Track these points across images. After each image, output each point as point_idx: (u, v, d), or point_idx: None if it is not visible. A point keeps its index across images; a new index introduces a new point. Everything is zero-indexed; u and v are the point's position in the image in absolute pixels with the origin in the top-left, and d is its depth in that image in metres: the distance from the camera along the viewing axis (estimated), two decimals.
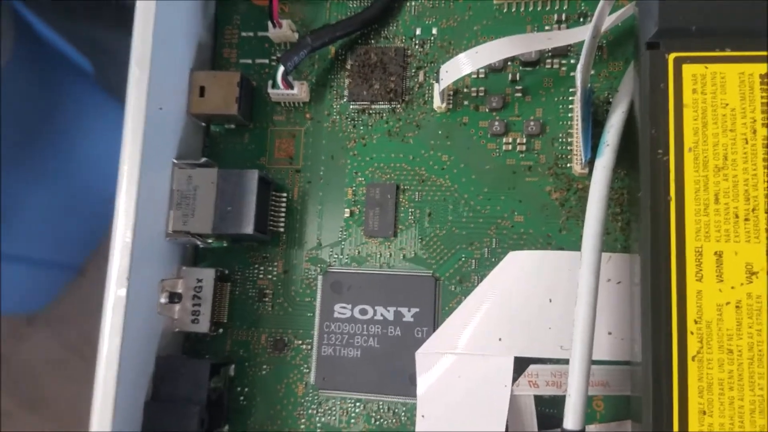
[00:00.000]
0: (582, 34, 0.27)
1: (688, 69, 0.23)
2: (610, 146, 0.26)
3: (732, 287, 0.22)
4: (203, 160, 0.30)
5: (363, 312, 0.29)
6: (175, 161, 0.30)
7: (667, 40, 0.23)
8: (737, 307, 0.22)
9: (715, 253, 0.22)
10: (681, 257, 0.22)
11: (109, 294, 0.26)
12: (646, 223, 0.23)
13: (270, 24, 0.31)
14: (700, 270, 0.22)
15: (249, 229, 0.29)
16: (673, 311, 0.22)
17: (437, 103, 0.30)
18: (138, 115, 0.27)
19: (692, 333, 0.22)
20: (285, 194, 0.31)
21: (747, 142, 0.23)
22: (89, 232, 0.72)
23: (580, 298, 0.24)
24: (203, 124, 0.33)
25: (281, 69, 0.30)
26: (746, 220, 0.22)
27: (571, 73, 0.29)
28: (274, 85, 0.31)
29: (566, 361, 0.24)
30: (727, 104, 0.23)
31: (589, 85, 0.27)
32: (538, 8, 0.30)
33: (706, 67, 0.23)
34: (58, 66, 0.60)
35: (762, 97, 0.23)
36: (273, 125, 0.32)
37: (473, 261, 0.29)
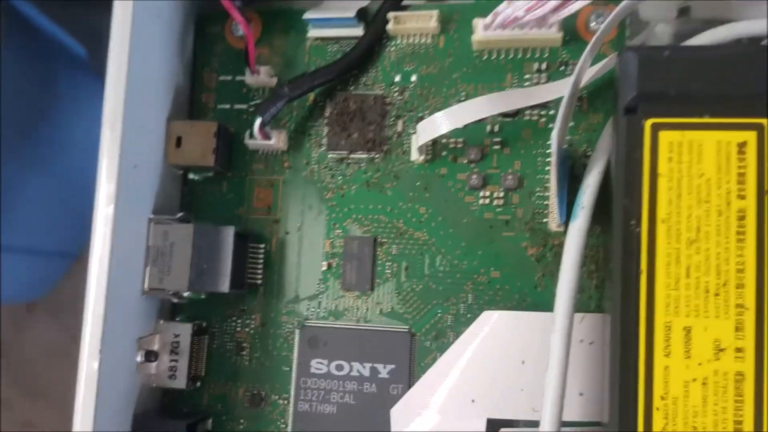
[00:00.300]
0: (561, 88, 0.27)
1: (665, 136, 0.23)
2: (585, 209, 0.25)
3: (699, 363, 0.22)
4: (179, 215, 0.30)
5: (339, 368, 0.29)
6: (151, 216, 0.30)
7: (645, 106, 0.23)
8: (704, 383, 0.21)
9: (684, 328, 0.22)
10: (650, 331, 0.22)
11: (83, 365, 0.26)
12: (616, 295, 0.23)
13: (247, 69, 0.31)
14: (669, 345, 0.22)
15: (225, 287, 0.29)
16: (640, 386, 0.22)
17: (415, 155, 0.30)
18: (111, 176, 0.28)
19: (658, 409, 0.22)
20: (263, 245, 0.31)
21: (720, 214, 0.22)
22: (87, 219, 0.73)
23: (551, 361, 0.24)
24: (180, 172, 0.33)
25: (258, 120, 0.30)
26: (716, 295, 0.22)
27: (550, 125, 0.29)
28: (252, 136, 0.31)
29: (538, 423, 0.24)
30: (702, 174, 0.23)
31: (565, 145, 0.26)
32: (519, 56, 0.29)
33: (683, 135, 0.23)
34: (51, 52, 0.60)
35: (739, 167, 0.22)
36: (251, 174, 0.32)
37: (449, 317, 0.29)
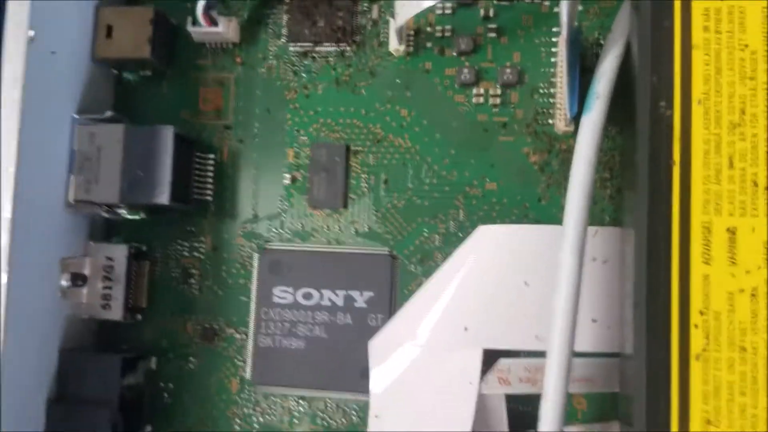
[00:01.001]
0: None
1: (698, 2, 0.19)
2: (600, 98, 0.22)
3: (747, 271, 0.18)
4: (108, 114, 0.25)
5: (307, 296, 0.25)
6: (74, 116, 0.25)
7: None
8: (753, 295, 0.18)
9: (728, 229, 0.19)
10: (685, 234, 0.19)
11: None
12: (643, 193, 0.19)
13: None
14: (708, 250, 0.19)
15: (164, 198, 0.24)
16: (673, 299, 0.19)
17: (394, 45, 0.25)
18: (18, 56, 0.22)
19: (696, 326, 0.18)
20: (212, 155, 0.26)
21: None
22: None
23: (560, 282, 0.21)
24: (114, 71, 0.27)
25: (202, 1, 0.25)
26: (766, 189, 0.19)
27: (555, 9, 0.25)
28: (195, 22, 0.26)
29: (542, 354, 0.20)
30: (746, 46, 0.19)
31: (576, 23, 0.22)
32: None
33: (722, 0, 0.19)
34: None
35: None
36: (197, 71, 0.27)
37: (437, 236, 0.25)
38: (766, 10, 0.19)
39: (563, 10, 0.21)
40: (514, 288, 0.23)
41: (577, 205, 0.21)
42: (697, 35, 0.19)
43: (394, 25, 0.25)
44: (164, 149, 0.24)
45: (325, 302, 0.25)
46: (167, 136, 0.24)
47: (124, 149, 0.24)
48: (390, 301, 0.25)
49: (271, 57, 0.27)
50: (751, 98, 0.19)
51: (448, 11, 0.25)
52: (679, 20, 0.19)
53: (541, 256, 0.23)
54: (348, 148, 0.26)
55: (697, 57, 0.19)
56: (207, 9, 0.25)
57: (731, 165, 0.19)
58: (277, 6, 0.27)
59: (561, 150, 0.24)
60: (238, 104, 0.27)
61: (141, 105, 0.27)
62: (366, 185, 0.26)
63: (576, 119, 0.23)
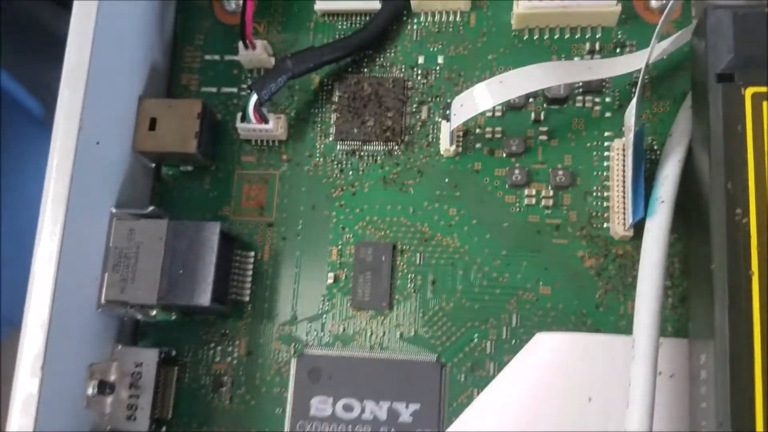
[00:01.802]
0: (629, 64, 0.23)
1: None
2: (665, 203, 0.21)
3: None
4: (150, 209, 0.25)
5: (348, 408, 0.24)
6: (113, 210, 0.24)
7: (743, 72, 0.19)
8: None
9: None
10: None
11: (18, 387, 0.20)
12: (721, 304, 0.19)
13: (241, 45, 0.27)
14: None
15: (205, 299, 0.23)
16: (758, 419, 0.17)
17: (445, 145, 0.25)
18: (67, 148, 0.22)
19: None
20: (253, 253, 0.26)
21: None
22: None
23: (633, 397, 0.19)
24: (152, 164, 0.27)
25: (254, 98, 0.25)
26: None
27: (606, 113, 0.25)
28: (245, 118, 0.26)
29: None
30: None
31: (641, 125, 0.22)
32: (566, 35, 0.26)
33: None
34: (5, 109, 0.57)
35: None
36: (241, 168, 0.27)
37: (488, 343, 0.24)
38: None
39: (631, 112, 0.21)
40: (577, 403, 0.22)
41: (649, 313, 0.20)
42: None
43: (447, 128, 0.25)
44: (208, 247, 0.24)
45: (367, 415, 0.23)
46: (213, 233, 0.24)
47: (166, 246, 0.23)
48: (438, 415, 0.23)
49: (317, 155, 0.27)
50: None
51: (498, 113, 0.26)
52: (751, 125, 0.19)
53: (607, 369, 0.22)
54: (394, 247, 0.25)
55: None
56: (259, 105, 0.25)
57: None
58: (325, 104, 0.27)
59: (618, 255, 0.24)
60: (282, 201, 0.26)
61: (179, 200, 0.27)
62: (412, 286, 0.25)
63: (636, 225, 0.22)
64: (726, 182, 0.19)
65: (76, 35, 0.23)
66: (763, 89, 0.19)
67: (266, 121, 0.26)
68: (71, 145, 0.22)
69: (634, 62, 0.23)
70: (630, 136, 0.21)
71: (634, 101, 0.21)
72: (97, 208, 0.24)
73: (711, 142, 0.20)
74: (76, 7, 0.23)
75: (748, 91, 0.19)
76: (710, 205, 0.19)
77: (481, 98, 0.23)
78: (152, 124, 0.26)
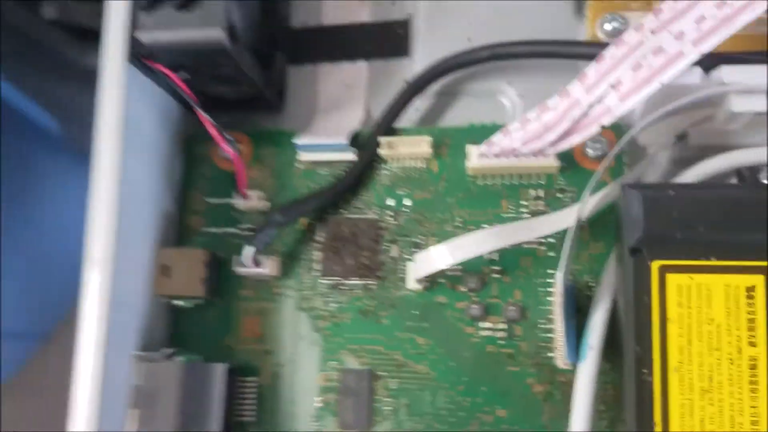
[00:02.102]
0: (563, 219, 0.27)
1: (673, 279, 0.23)
2: (593, 349, 0.25)
3: None
4: (169, 352, 0.29)
5: None
6: (136, 354, 0.29)
7: (651, 247, 0.23)
8: None
9: None
10: None
11: None
12: None
13: (237, 194, 0.32)
14: None
15: (215, 428, 0.28)
16: None
17: (411, 285, 0.30)
18: (101, 319, 0.27)
19: None
20: (254, 378, 0.31)
21: (732, 363, 0.22)
22: (56, 299, 0.73)
23: None
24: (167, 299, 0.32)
25: (251, 250, 0.30)
26: None
27: (550, 253, 0.29)
28: (242, 264, 0.31)
29: None
30: (712, 320, 0.23)
31: (570, 279, 0.26)
32: (515, 181, 0.30)
33: (692, 278, 0.23)
34: (21, 127, 0.60)
35: (748, 313, 0.23)
36: (239, 300, 0.32)
37: None
38: (726, 288, 0.23)
39: (558, 278, 0.25)
40: None
41: None
42: (672, 310, 0.23)
43: (411, 272, 0.29)
44: (216, 384, 0.28)
45: None
46: (220, 372, 0.28)
47: (180, 385, 0.28)
48: None
49: (305, 288, 0.31)
50: (717, 367, 0.22)
51: (458, 262, 0.30)
52: (657, 296, 0.23)
53: None
54: (372, 373, 0.29)
55: (672, 330, 0.23)
56: (254, 255, 0.30)
57: (702, 427, 0.22)
58: (310, 244, 0.32)
59: (561, 382, 0.28)
60: (276, 331, 0.31)
61: (191, 330, 0.32)
62: (389, 408, 0.29)
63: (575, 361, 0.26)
64: (635, 346, 0.23)
65: (98, 210, 0.28)
66: (666, 262, 0.23)
67: (261, 266, 0.31)
68: (103, 317, 0.27)
69: (568, 218, 0.27)
70: (557, 298, 0.25)
71: (558, 273, 0.25)
72: (123, 355, 0.29)
73: (625, 306, 0.24)
74: (96, 184, 0.27)
75: (655, 264, 0.23)
76: (624, 362, 0.23)
77: (437, 259, 0.27)
78: (166, 271, 0.31)
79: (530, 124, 0.27)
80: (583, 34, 0.32)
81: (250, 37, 0.31)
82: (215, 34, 0.28)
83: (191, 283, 0.31)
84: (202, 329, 0.32)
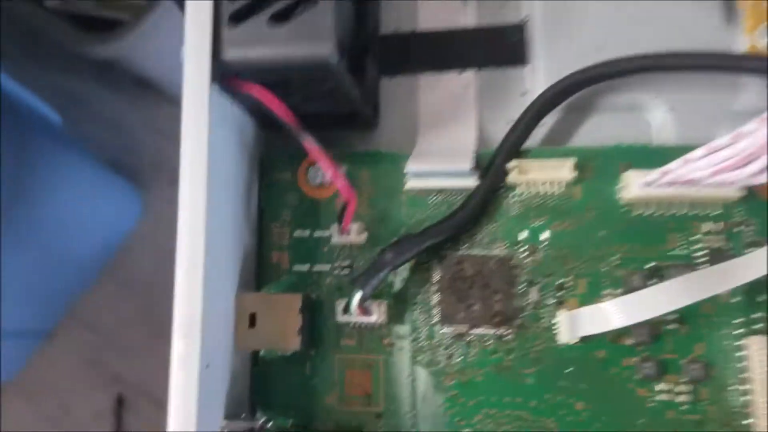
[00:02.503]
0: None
1: None
2: None
3: None
4: (261, 420, 0.24)
5: None
6: (223, 424, 0.23)
7: None
8: None
9: None
10: None
11: None
12: None
13: (335, 228, 0.26)
14: None
15: None
16: None
17: (566, 336, 0.24)
18: (189, 391, 0.21)
19: None
20: None
21: None
22: (58, 297, 0.72)
23: None
24: (249, 352, 0.27)
25: (358, 295, 0.24)
26: None
27: (737, 322, 0.24)
28: (347, 311, 0.25)
29: None
30: None
31: None
32: (684, 211, 0.25)
33: None
34: (22, 121, 0.58)
35: None
36: (341, 352, 0.26)
37: None
38: None
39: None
40: None
41: None
42: None
43: (568, 320, 0.24)
44: None
45: None
46: None
47: None
48: None
49: (422, 338, 0.26)
50: None
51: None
52: None
53: None
54: None
55: None
56: (362, 302, 0.25)
57: None
58: (425, 285, 0.26)
59: None
60: (389, 390, 0.25)
61: (280, 387, 0.26)
62: None
63: None
64: None
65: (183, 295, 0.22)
66: None
67: (369, 314, 0.25)
68: (194, 388, 0.21)
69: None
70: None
71: None
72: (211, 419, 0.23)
73: None
74: (183, 236, 0.22)
75: None
76: None
77: (613, 318, 0.22)
78: (252, 321, 0.25)
79: (722, 153, 0.23)
80: (737, 42, 0.28)
81: (347, 47, 0.26)
82: (323, 51, 0.22)
83: (284, 334, 0.25)
84: (294, 386, 0.26)
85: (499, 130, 0.28)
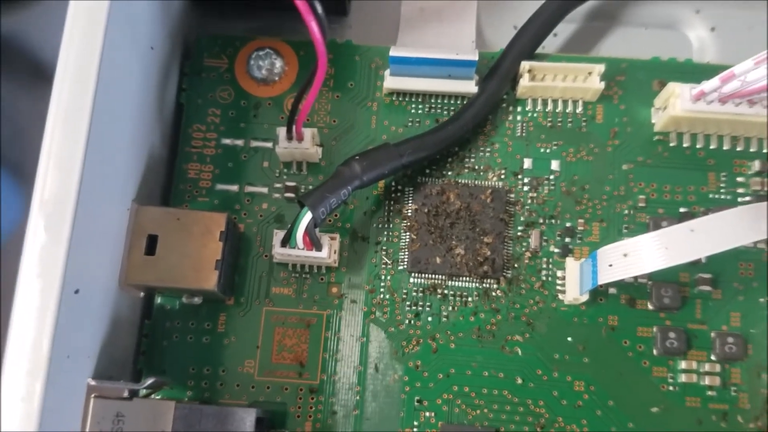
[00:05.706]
0: None
1: None
2: None
3: None
4: (148, 381, 0.18)
5: None
6: (91, 383, 0.18)
7: None
8: None
9: None
10: None
11: None
12: None
13: (283, 133, 0.21)
14: None
15: None
16: None
17: (573, 293, 0.20)
18: (45, 307, 0.16)
19: None
20: None
21: None
22: None
23: None
24: (141, 294, 0.21)
25: (306, 218, 0.19)
26: None
27: None
28: (289, 242, 0.20)
29: None
30: None
31: None
32: (725, 146, 0.21)
33: None
34: None
35: None
36: (272, 304, 0.21)
37: None
38: None
39: None
40: None
41: None
42: None
43: (575, 269, 0.19)
44: None
45: None
46: (246, 420, 0.17)
47: None
48: None
49: (382, 291, 0.21)
50: None
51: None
52: None
53: None
54: None
55: None
56: (312, 227, 0.19)
57: None
58: (393, 219, 0.21)
59: None
60: (331, 356, 0.20)
61: (179, 347, 0.21)
62: None
63: None
64: None
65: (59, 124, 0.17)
66: None
67: (319, 248, 0.20)
68: (53, 300, 0.15)
69: None
70: None
71: None
72: (74, 381, 0.17)
73: None
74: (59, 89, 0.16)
75: None
76: None
77: (652, 255, 0.17)
78: (150, 246, 0.19)
79: None
80: None
81: None
82: None
83: (195, 270, 0.19)
84: (202, 347, 0.20)
85: (502, 35, 0.23)
